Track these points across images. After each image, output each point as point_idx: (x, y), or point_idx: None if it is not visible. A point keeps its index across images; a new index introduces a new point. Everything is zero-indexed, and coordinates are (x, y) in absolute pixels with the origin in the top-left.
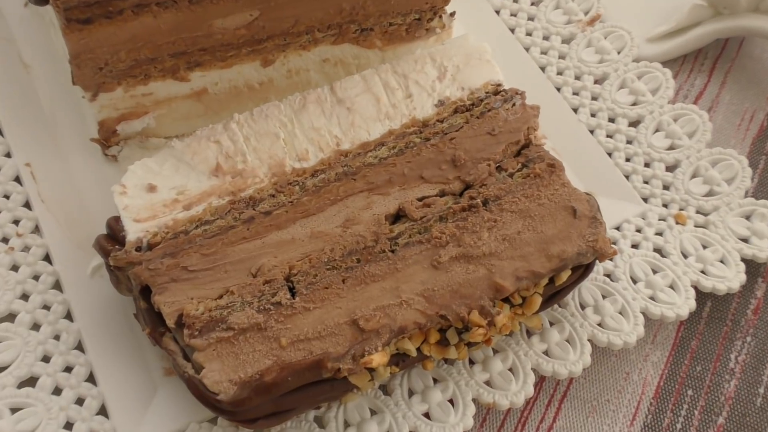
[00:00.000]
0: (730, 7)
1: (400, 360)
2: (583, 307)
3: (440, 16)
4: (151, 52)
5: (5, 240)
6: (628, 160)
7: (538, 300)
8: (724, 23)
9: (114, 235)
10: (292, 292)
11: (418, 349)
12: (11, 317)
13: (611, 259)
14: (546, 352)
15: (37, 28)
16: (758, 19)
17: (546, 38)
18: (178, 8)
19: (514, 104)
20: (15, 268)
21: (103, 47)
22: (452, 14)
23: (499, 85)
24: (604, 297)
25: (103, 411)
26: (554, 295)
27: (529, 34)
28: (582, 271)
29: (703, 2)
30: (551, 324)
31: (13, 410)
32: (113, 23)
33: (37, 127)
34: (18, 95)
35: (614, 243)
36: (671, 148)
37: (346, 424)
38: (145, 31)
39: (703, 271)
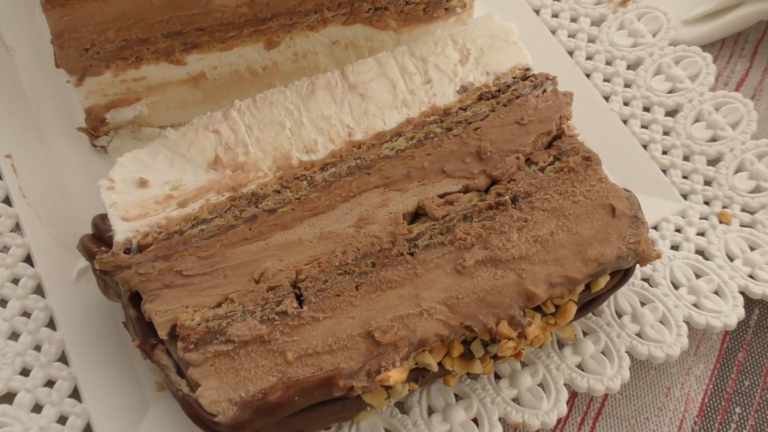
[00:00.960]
0: None
1: (419, 375)
2: (620, 316)
3: None
4: (142, 31)
5: None
6: (665, 153)
7: (573, 308)
8: (765, 4)
9: (100, 235)
10: (300, 300)
11: (440, 364)
12: None
13: (653, 264)
14: (580, 366)
15: (21, 7)
16: None
17: (574, 20)
18: None
19: (544, 90)
20: None
21: (88, 25)
22: None
23: (528, 69)
24: (642, 304)
25: (88, 430)
26: (589, 303)
27: (555, 15)
28: (621, 276)
29: None
30: (585, 334)
31: None
32: None
33: (20, 115)
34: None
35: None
36: (713, 139)
37: None
38: (136, 7)
39: (751, 276)
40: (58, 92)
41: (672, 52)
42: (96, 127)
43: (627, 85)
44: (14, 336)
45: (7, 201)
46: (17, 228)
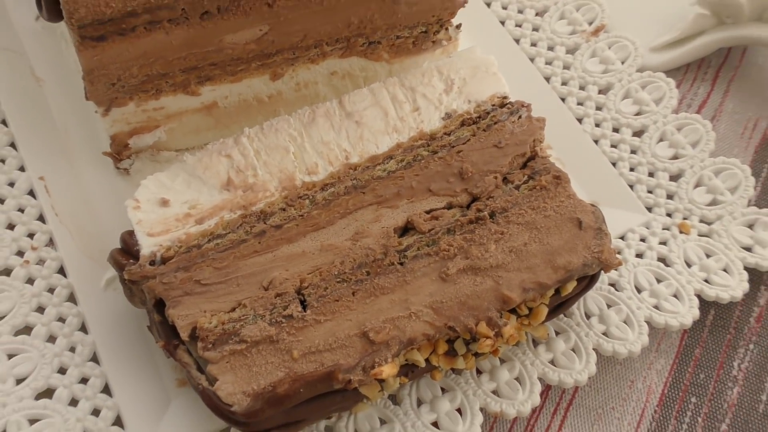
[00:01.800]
0: (734, 17)
1: (409, 370)
2: (588, 317)
3: (446, 29)
4: (162, 67)
5: (20, 253)
6: (632, 169)
7: (545, 310)
8: (727, 32)
9: (128, 249)
10: (303, 304)
11: (427, 360)
12: (27, 330)
13: (617, 270)
14: (552, 362)
15: (49, 41)
16: (761, 28)
17: (551, 48)
18: (189, 24)
19: (520, 117)
20: (30, 281)
21: (115, 63)
22: (458, 26)
23: (506, 97)
24: (609, 306)
25: (118, 422)
26: (560, 306)
27: (533, 44)
28: (587, 281)
29: (706, 11)
30: (557, 333)
31: (32, 421)
32: (126, 40)
33: (50, 141)
34: (31, 109)
35: (619, 253)
36: (675, 157)
37: None
38: (157, 47)
39: (706, 280)
40: (84, 120)
41: (639, 78)
42: (119, 151)
43: (598, 108)
44: (51, 339)
45: (42, 219)
46: (51, 243)
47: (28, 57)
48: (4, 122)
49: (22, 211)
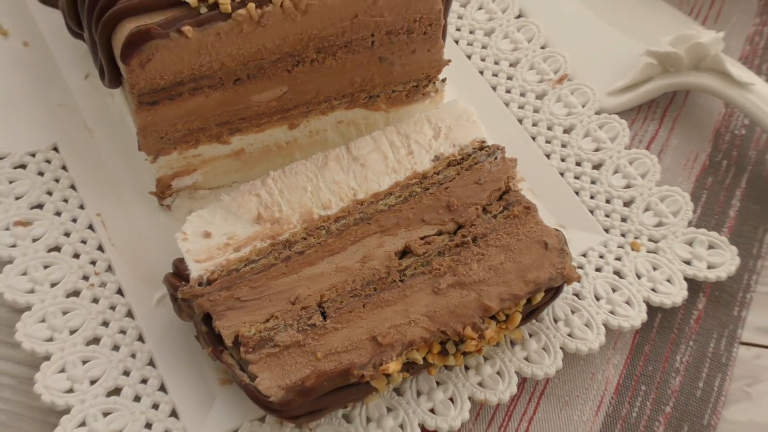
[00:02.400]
0: (676, 66)
1: (410, 367)
2: (555, 321)
3: (434, 82)
4: (201, 123)
5: (86, 278)
6: (592, 197)
7: (519, 317)
8: (671, 79)
9: (180, 273)
10: (324, 315)
11: (424, 358)
12: (96, 341)
13: (578, 282)
14: (526, 358)
15: (96, 97)
16: (699, 76)
17: (522, 95)
18: (224, 89)
19: (496, 158)
20: (95, 300)
21: (164, 122)
22: (443, 80)
23: (484, 141)
24: (572, 312)
25: (174, 414)
26: (531, 312)
27: (508, 91)
28: (553, 292)
29: (653, 61)
30: (530, 335)
31: (105, 414)
32: (174, 103)
33: (104, 182)
34: (86, 156)
35: (581, 267)
36: (627, 186)
37: (368, 419)
38: (198, 107)
39: (653, 289)
40: (131, 164)
41: (597, 119)
42: (163, 191)
43: (563, 146)
44: (116, 348)
45: (101, 249)
46: (110, 269)
47: (80, 111)
48: (64, 167)
49: (84, 242)
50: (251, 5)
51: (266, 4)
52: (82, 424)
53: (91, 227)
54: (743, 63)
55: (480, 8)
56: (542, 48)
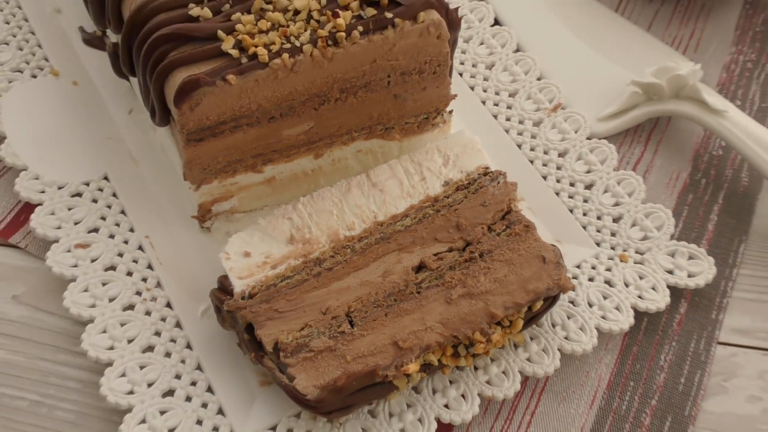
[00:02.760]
0: (658, 95)
1: (426, 368)
2: (553, 326)
3: (442, 114)
4: (239, 155)
5: (139, 293)
6: (584, 214)
7: (521, 322)
8: (654, 107)
9: (224, 288)
10: (351, 323)
11: (439, 360)
12: (150, 348)
13: (573, 291)
14: (528, 359)
15: (140, 131)
16: (679, 104)
17: (521, 122)
18: (260, 125)
19: (498, 182)
20: (148, 313)
21: (208, 155)
22: (450, 112)
23: (488, 168)
24: (568, 318)
25: (221, 411)
26: (532, 318)
27: (508, 119)
28: (551, 300)
29: (638, 90)
30: (531, 339)
31: (162, 412)
32: (217, 139)
33: (150, 208)
34: (133, 184)
35: (575, 278)
36: (616, 204)
37: (390, 414)
38: (237, 142)
39: (640, 296)
40: (173, 191)
41: (588, 144)
42: (204, 215)
43: (558, 168)
44: (168, 354)
45: (150, 267)
46: (159, 285)
47: (126, 143)
48: (115, 195)
49: (136, 262)
50: (285, 55)
51: (298, 54)
52: (143, 421)
53: (140, 248)
54: (721, 89)
55: (481, 43)
56: (538, 79)
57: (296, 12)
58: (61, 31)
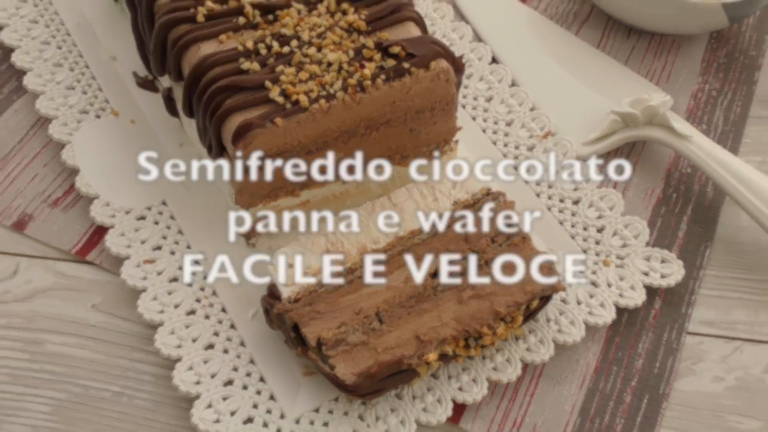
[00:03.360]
0: (634, 122)
1: (443, 357)
2: (548, 321)
3: (449, 143)
4: (280, 183)
5: (198, 300)
6: (572, 226)
7: (521, 318)
8: (630, 132)
9: (273, 294)
10: (381, 321)
11: (453, 351)
12: (211, 346)
13: (564, 291)
14: (527, 349)
15: (189, 160)
16: (652, 130)
17: (516, 147)
18: (299, 158)
19: (499, 201)
20: (207, 317)
21: (253, 184)
22: (456, 141)
23: (489, 189)
24: (560, 314)
25: (272, 398)
26: (530, 315)
27: (505, 145)
28: (546, 299)
29: (617, 118)
30: (529, 332)
31: (224, 399)
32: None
33: (203, 228)
34: (187, 208)
35: (565, 280)
36: (599, 217)
37: (413, 396)
38: (280, 172)
39: (620, 295)
40: (222, 213)
41: (576, 165)
42: (249, 234)
43: (549, 187)
44: (225, 351)
45: (206, 277)
46: (214, 293)
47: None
48: (172, 217)
49: (194, 274)
50: (322, 101)
51: (332, 99)
52: (209, 406)
53: (197, 262)
54: (689, 115)
55: (481, 79)
56: (531, 110)
57: (329, 64)
58: (117, 76)
